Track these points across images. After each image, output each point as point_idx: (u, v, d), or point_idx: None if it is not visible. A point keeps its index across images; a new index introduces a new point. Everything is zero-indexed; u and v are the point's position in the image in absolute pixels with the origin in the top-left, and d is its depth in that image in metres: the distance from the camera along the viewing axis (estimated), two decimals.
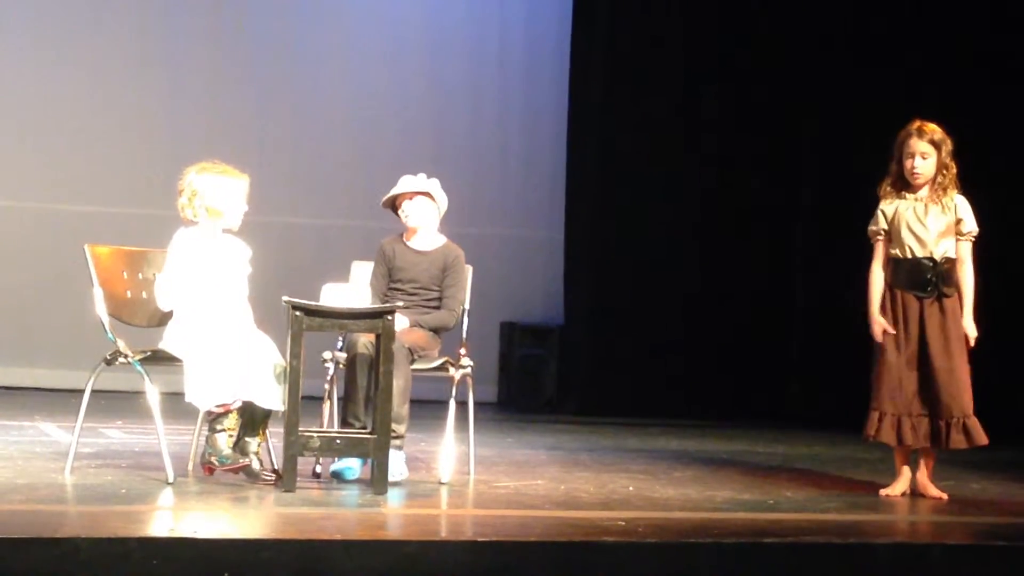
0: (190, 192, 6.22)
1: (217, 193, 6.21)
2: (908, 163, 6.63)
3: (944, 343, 6.58)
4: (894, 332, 6.62)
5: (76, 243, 6.49)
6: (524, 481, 6.77)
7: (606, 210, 11.37)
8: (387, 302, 6.53)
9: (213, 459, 6.11)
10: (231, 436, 6.12)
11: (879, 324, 6.65)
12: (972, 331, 6.61)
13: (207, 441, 6.13)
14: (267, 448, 6.31)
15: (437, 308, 6.76)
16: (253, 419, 6.17)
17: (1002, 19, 10.53)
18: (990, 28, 10.61)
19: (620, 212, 11.33)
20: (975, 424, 6.58)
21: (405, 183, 6.78)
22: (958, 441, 6.55)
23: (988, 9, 10.61)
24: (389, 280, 6.79)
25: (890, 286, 6.67)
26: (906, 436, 6.59)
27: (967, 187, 6.71)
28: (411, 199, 6.76)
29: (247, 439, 6.16)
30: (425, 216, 6.78)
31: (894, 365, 6.61)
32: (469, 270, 7.00)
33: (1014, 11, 10.41)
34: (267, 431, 6.25)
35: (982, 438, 6.59)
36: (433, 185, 6.80)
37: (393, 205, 6.83)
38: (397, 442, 6.31)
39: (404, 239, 6.86)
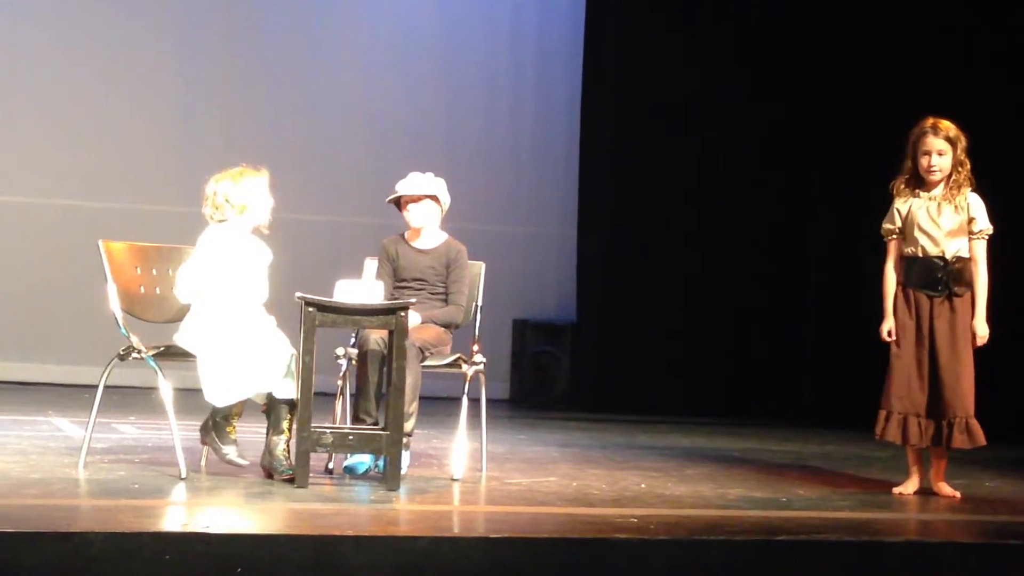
0: (212, 192, 6.27)
1: (241, 189, 6.25)
2: (924, 161, 6.61)
3: (952, 342, 6.57)
4: (895, 338, 6.61)
5: (90, 239, 6.51)
6: (536, 478, 6.77)
7: (619, 207, 11.37)
8: (395, 300, 6.53)
9: (274, 465, 6.16)
10: (288, 442, 6.17)
11: (887, 323, 6.65)
12: (983, 331, 6.59)
13: (269, 447, 6.16)
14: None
15: (444, 303, 6.78)
16: (278, 417, 6.19)
17: (1010, 16, 10.50)
18: (1000, 26, 10.59)
19: (633, 210, 11.32)
20: (976, 425, 6.57)
21: (412, 181, 6.79)
22: (961, 441, 6.54)
23: (996, 7, 10.57)
24: (395, 279, 6.81)
25: (902, 285, 6.67)
26: (912, 435, 6.58)
27: (980, 184, 6.69)
28: (417, 202, 6.77)
29: (274, 438, 6.20)
30: (428, 217, 6.80)
31: (904, 364, 6.60)
32: (481, 266, 7.02)
33: (1020, 8, 10.40)
34: (292, 429, 6.28)
35: (982, 439, 6.58)
36: (439, 186, 6.81)
37: (398, 202, 6.85)
38: (404, 440, 6.30)
39: (406, 238, 6.88)
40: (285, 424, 6.18)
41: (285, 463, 6.11)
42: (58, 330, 10.73)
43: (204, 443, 6.32)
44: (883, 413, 6.63)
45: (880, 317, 6.70)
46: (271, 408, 6.19)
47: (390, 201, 6.86)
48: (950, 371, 6.55)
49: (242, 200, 6.26)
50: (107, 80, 11.06)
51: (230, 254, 6.23)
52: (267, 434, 6.21)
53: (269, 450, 6.17)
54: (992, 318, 6.64)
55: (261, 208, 6.30)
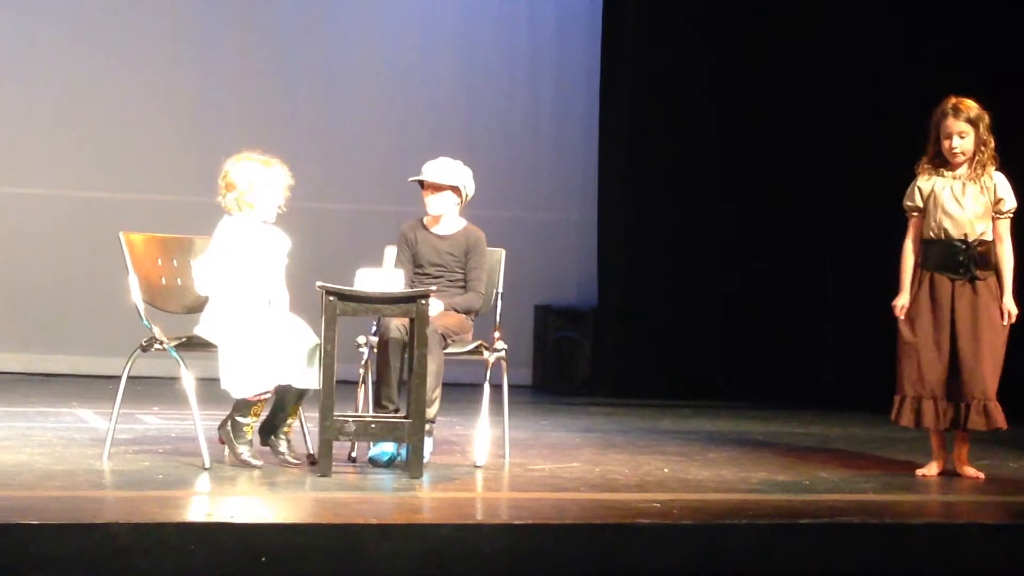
0: (225, 184, 6.27)
1: (250, 186, 6.25)
2: (947, 144, 6.58)
3: (973, 325, 6.54)
4: (904, 315, 6.59)
5: (111, 230, 6.52)
6: (559, 464, 6.77)
7: (639, 192, 11.34)
8: (414, 287, 6.54)
9: (277, 447, 6.31)
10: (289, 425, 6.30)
11: (901, 298, 6.62)
12: (1012, 309, 6.57)
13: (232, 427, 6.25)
14: (303, 430, 6.35)
15: (463, 290, 6.78)
16: (284, 400, 6.22)
17: None
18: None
19: (653, 194, 11.30)
20: (995, 407, 6.53)
21: (439, 166, 6.76)
22: (976, 422, 6.51)
23: None
24: (414, 265, 6.80)
25: (922, 266, 6.63)
26: (926, 418, 6.57)
27: (1005, 163, 6.66)
28: (438, 191, 6.75)
29: (278, 419, 6.24)
30: (445, 207, 6.79)
31: (918, 347, 6.57)
32: (502, 253, 7.01)
33: None
34: (299, 412, 6.31)
35: (1001, 422, 6.55)
36: (465, 175, 6.79)
37: (421, 181, 6.84)
38: (427, 427, 6.31)
39: (424, 224, 6.87)
40: (290, 407, 6.25)
41: (285, 449, 6.25)
42: (80, 322, 10.76)
43: (221, 441, 6.33)
44: (897, 398, 6.63)
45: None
46: (280, 392, 6.21)
47: (414, 180, 6.83)
48: (970, 353, 6.52)
49: (249, 199, 6.26)
50: (125, 71, 11.07)
51: (247, 246, 6.24)
52: (270, 411, 6.26)
53: (271, 429, 6.29)
54: (1019, 297, 6.61)
55: (268, 207, 6.30)
